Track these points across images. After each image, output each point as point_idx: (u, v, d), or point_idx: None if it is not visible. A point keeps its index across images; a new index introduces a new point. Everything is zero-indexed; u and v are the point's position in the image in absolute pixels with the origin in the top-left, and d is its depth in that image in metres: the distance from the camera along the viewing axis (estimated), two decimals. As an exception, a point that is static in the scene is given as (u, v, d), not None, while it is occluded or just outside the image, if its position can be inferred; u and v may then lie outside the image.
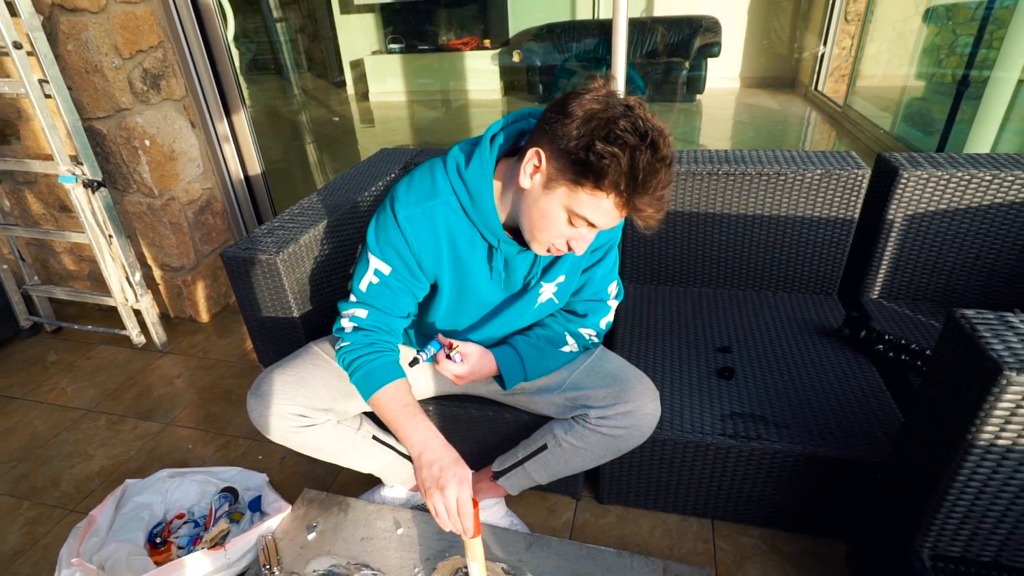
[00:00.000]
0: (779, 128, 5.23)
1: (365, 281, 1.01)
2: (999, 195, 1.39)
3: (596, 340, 1.17)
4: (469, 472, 0.91)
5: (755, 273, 1.65)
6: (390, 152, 1.83)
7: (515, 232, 0.98)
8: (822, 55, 5.42)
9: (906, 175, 1.42)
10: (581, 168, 0.80)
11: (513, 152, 0.97)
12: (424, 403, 1.28)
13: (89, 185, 1.73)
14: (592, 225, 0.87)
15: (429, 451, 0.91)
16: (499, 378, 1.09)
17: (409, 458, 1.28)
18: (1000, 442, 0.74)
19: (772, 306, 1.60)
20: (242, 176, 2.23)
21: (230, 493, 1.36)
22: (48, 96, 1.64)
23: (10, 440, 1.67)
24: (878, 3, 5.08)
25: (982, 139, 2.64)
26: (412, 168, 1.69)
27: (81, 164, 1.72)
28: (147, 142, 1.88)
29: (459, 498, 0.86)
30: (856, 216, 1.51)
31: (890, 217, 1.47)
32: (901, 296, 1.57)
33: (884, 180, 1.47)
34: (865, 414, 1.20)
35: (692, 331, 1.51)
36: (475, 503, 0.89)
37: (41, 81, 1.63)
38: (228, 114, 2.12)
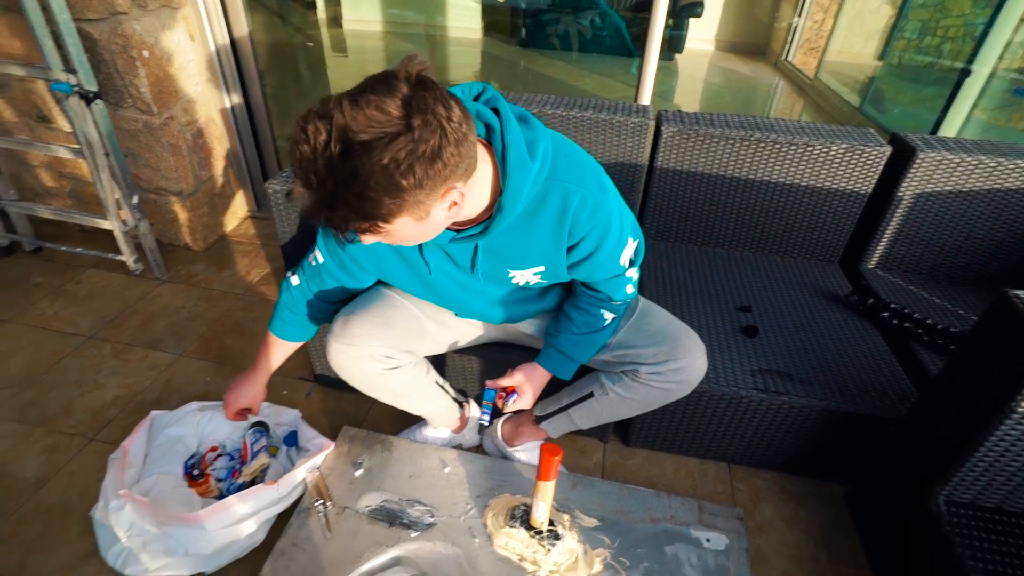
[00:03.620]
0: (750, 94, 5.32)
1: (311, 257, 1.07)
2: (999, 181, 1.51)
3: (629, 300, 1.14)
4: (235, 394, 1.20)
5: (766, 237, 1.73)
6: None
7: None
8: (795, 27, 5.50)
9: (922, 155, 1.51)
10: None
11: None
12: (471, 350, 1.31)
13: (84, 96, 1.57)
14: None
15: (238, 378, 1.22)
16: None
17: (459, 403, 1.32)
18: (1036, 408, 0.84)
19: (780, 269, 1.70)
20: (242, 99, 2.08)
21: (262, 427, 1.35)
22: (37, -12, 1.45)
23: (7, 365, 1.58)
24: (856, -19, 5.13)
25: (951, 125, 2.82)
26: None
27: (75, 72, 1.55)
28: (145, 53, 1.71)
29: (226, 402, 1.21)
30: (869, 190, 1.60)
31: (900, 193, 1.57)
32: (895, 267, 1.70)
33: (899, 158, 1.56)
34: (875, 375, 1.32)
35: (713, 289, 1.59)
36: (559, 451, 0.94)
37: (28, -30, 1.44)
38: (230, 29, 1.95)
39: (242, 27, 1.97)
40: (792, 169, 1.60)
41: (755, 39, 6.09)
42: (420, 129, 0.65)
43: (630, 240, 1.01)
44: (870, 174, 1.58)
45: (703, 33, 6.12)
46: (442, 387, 1.24)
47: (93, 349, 1.64)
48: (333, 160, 0.64)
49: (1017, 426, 0.87)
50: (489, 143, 0.83)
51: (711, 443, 1.39)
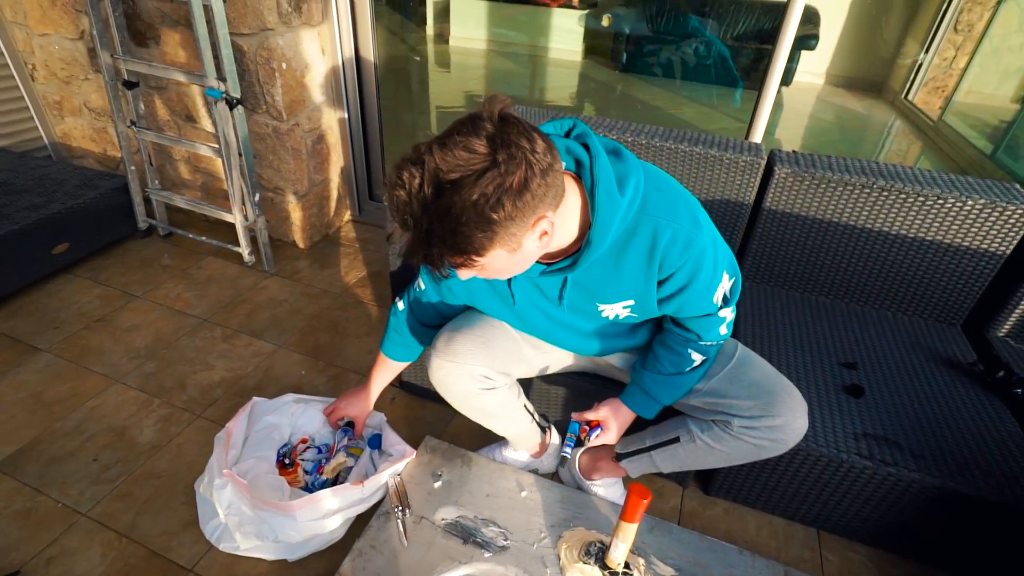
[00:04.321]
0: (860, 133, 5.00)
1: (415, 284, 1.18)
2: None
3: (721, 342, 1.08)
4: (346, 403, 1.35)
5: (879, 291, 1.61)
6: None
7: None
8: (920, 63, 5.12)
9: (1079, 217, 1.35)
10: None
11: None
12: (558, 377, 1.31)
13: (229, 102, 1.74)
14: None
15: (351, 390, 1.37)
16: None
17: (542, 428, 1.32)
18: None
19: (892, 326, 1.58)
20: (360, 112, 2.22)
21: (349, 428, 1.41)
22: (205, 5, 1.63)
23: (136, 337, 1.76)
24: (998, 18, 4.73)
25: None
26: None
27: (224, 80, 1.72)
28: (284, 65, 1.87)
29: (335, 408, 1.37)
30: (1008, 252, 1.46)
31: (1046, 258, 1.41)
32: (1030, 339, 1.53)
33: (1049, 218, 1.41)
34: (1003, 457, 1.19)
35: (815, 340, 1.49)
36: (648, 494, 0.91)
37: (202, -12, 1.62)
38: (357, 44, 2.09)
39: (368, 43, 2.10)
40: (917, 222, 1.48)
41: (871, 75, 5.73)
42: (505, 163, 0.68)
43: (725, 276, 0.98)
44: (1011, 234, 1.43)
45: (813, 66, 5.84)
46: (529, 411, 1.25)
47: (206, 331, 1.80)
48: (427, 201, 0.69)
49: None
50: (579, 177, 0.85)
51: (801, 505, 1.30)
